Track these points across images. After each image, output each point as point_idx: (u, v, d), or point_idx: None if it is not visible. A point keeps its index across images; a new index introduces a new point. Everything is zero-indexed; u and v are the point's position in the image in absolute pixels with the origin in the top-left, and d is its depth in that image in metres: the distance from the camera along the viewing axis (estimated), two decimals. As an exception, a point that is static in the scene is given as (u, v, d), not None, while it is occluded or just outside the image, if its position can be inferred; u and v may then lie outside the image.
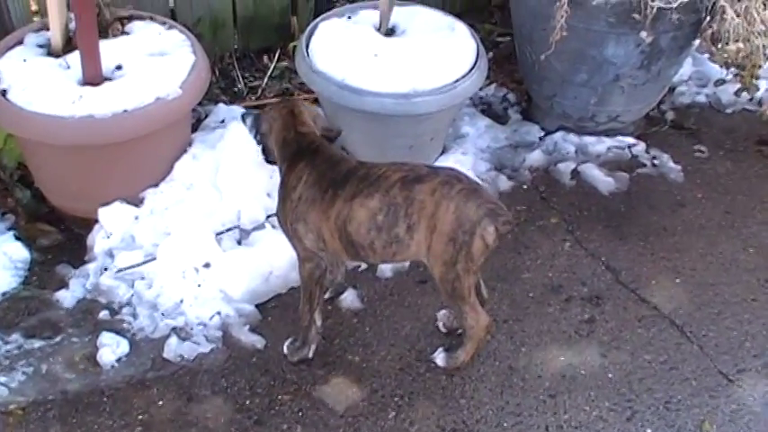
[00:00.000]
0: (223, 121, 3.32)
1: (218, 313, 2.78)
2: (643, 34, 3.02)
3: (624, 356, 2.78)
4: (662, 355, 2.79)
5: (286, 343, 2.72)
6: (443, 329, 2.82)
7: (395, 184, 2.44)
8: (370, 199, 2.46)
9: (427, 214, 2.42)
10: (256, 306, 2.84)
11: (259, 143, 2.70)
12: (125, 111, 2.73)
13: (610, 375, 2.72)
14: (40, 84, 2.76)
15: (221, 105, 3.42)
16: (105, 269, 2.89)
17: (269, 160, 2.71)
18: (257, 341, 2.75)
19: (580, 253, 3.13)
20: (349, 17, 3.30)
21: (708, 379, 2.73)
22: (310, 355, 2.70)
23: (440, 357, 2.71)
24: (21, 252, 2.92)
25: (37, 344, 2.70)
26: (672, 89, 3.76)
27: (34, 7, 3.26)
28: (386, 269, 2.99)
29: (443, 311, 2.82)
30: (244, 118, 2.77)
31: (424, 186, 2.43)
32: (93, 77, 2.77)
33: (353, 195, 2.47)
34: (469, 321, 2.58)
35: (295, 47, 3.65)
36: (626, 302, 2.95)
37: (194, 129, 3.26)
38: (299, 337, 2.71)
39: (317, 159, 2.56)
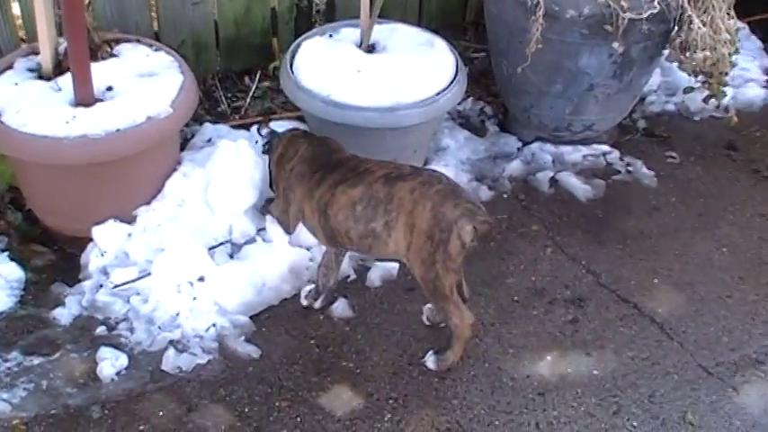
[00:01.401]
0: (209, 140, 3.40)
1: (214, 325, 2.84)
2: (615, 45, 3.14)
3: (608, 354, 2.88)
4: (644, 351, 2.89)
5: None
6: (427, 322, 2.92)
7: (379, 179, 2.60)
8: (353, 188, 2.62)
9: (406, 212, 2.56)
10: (250, 317, 2.90)
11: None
12: (118, 130, 2.79)
13: (595, 372, 2.82)
14: (34, 106, 2.82)
15: (207, 125, 3.49)
16: (100, 286, 2.94)
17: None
18: (253, 351, 2.81)
19: (561, 257, 3.23)
20: (330, 35, 3.40)
21: (689, 373, 2.83)
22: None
23: (430, 360, 2.79)
24: (15, 272, 2.97)
25: (36, 360, 2.75)
26: (642, 99, 3.90)
27: (22, 34, 3.33)
28: (375, 279, 3.07)
29: (428, 305, 2.92)
30: (260, 133, 3.08)
31: (405, 185, 2.57)
32: (86, 99, 2.83)
33: (339, 182, 2.64)
34: (454, 321, 2.68)
35: (276, 68, 3.76)
36: (607, 303, 3.06)
37: (182, 148, 3.33)
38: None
39: (315, 141, 2.81)
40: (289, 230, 2.98)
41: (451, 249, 2.53)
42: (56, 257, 3.10)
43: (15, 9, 3.33)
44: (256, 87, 3.85)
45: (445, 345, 2.78)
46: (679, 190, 3.57)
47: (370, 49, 3.33)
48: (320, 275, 2.91)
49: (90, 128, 2.77)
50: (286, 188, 2.84)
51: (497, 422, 2.66)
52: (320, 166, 2.73)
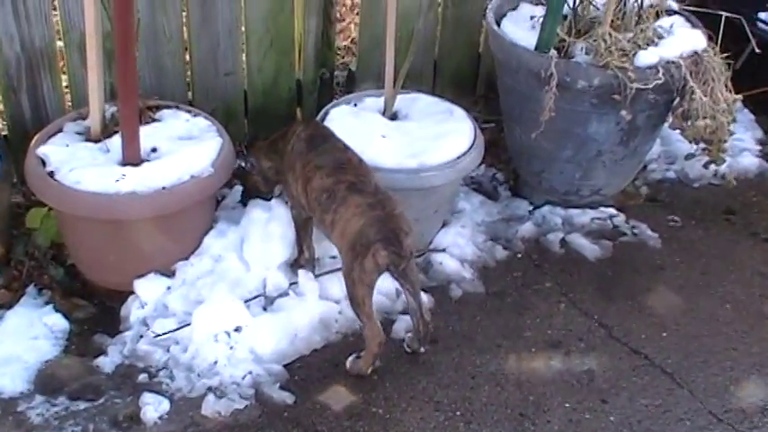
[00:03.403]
0: (240, 201, 3.59)
1: (250, 373, 2.99)
2: (623, 113, 3.38)
3: (623, 401, 3.04)
4: (656, 399, 3.06)
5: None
6: (408, 349, 3.15)
7: (345, 182, 2.97)
8: (326, 178, 3.01)
9: (345, 219, 2.92)
10: (284, 366, 3.06)
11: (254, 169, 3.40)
12: (164, 188, 2.99)
13: (611, 418, 2.97)
14: (85, 165, 3.02)
15: (238, 187, 3.68)
16: (141, 336, 3.09)
17: (261, 191, 3.43)
18: (287, 397, 2.96)
19: (574, 312, 3.41)
20: (355, 104, 3.63)
21: (700, 419, 2.99)
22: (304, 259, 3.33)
23: (348, 361, 3.06)
24: (60, 322, 3.12)
25: (82, 405, 2.88)
26: (644, 167, 4.13)
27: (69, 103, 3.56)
28: (399, 330, 3.23)
29: (409, 334, 3.16)
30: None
31: (358, 199, 2.93)
32: (133, 158, 3.04)
33: (320, 167, 3.04)
34: (366, 332, 2.98)
35: (297, 135, 3.98)
36: (620, 354, 3.23)
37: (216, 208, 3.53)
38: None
39: (310, 125, 3.28)
40: (303, 215, 3.22)
41: (366, 265, 2.85)
42: (96, 310, 3.26)
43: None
44: (279, 154, 4.06)
45: (365, 353, 3.02)
46: (682, 251, 3.77)
47: (394, 116, 3.57)
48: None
49: (138, 185, 2.96)
50: (287, 170, 3.16)
51: (521, 464, 2.81)
52: (314, 146, 3.10)
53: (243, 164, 3.39)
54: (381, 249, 2.83)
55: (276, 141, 3.27)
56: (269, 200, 3.41)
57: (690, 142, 3.60)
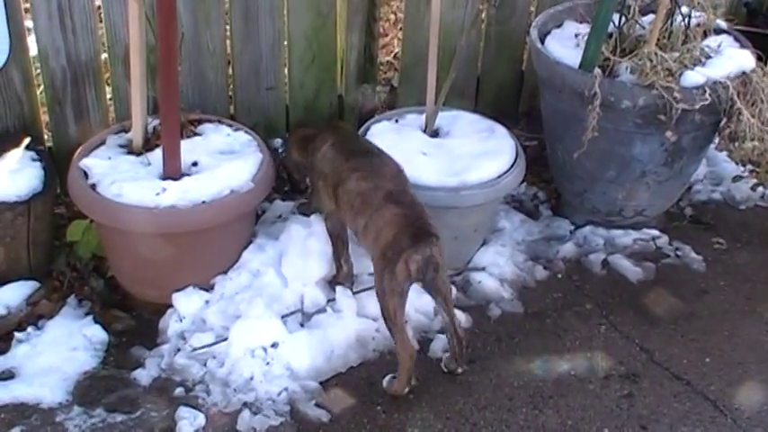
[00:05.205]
0: (280, 216, 3.59)
1: (286, 389, 2.98)
2: (668, 134, 3.32)
3: (663, 428, 2.98)
4: (698, 427, 2.99)
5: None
6: (445, 369, 3.12)
7: (381, 189, 2.95)
8: (362, 182, 2.98)
9: (378, 227, 2.88)
10: (320, 383, 3.04)
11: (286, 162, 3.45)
12: (203, 202, 3.01)
13: (652, 446, 2.93)
14: (126, 178, 3.04)
15: (278, 202, 3.68)
16: (178, 350, 3.10)
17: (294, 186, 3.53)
18: (323, 415, 2.94)
19: (615, 335, 3.35)
20: (396, 120, 3.62)
21: (744, 449, 2.94)
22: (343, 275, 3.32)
23: (384, 380, 3.04)
24: (99, 334, 3.14)
25: (119, 418, 2.89)
26: (689, 188, 4.06)
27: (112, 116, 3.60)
28: (437, 349, 3.20)
29: (446, 354, 3.13)
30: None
31: (393, 208, 2.90)
32: (174, 172, 3.05)
33: (356, 169, 3.01)
34: (397, 347, 2.95)
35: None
36: (661, 380, 3.17)
37: (255, 222, 3.53)
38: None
39: (341, 130, 3.30)
40: (338, 226, 3.21)
41: (397, 271, 2.81)
42: (135, 322, 3.27)
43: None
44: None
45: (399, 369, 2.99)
46: (727, 274, 3.69)
47: (435, 133, 3.55)
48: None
49: (179, 199, 2.98)
50: (318, 178, 3.16)
51: (558, 490, 2.76)
52: (348, 150, 3.11)
53: (280, 149, 3.39)
54: (415, 254, 2.80)
55: (307, 140, 3.28)
56: (308, 215, 3.41)
57: (737, 164, 3.56)
